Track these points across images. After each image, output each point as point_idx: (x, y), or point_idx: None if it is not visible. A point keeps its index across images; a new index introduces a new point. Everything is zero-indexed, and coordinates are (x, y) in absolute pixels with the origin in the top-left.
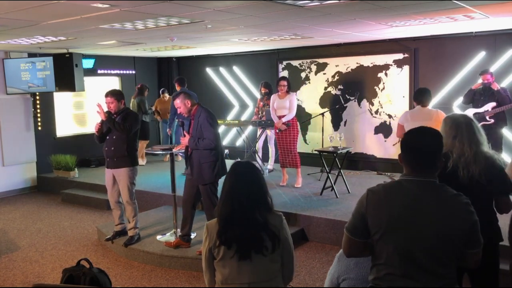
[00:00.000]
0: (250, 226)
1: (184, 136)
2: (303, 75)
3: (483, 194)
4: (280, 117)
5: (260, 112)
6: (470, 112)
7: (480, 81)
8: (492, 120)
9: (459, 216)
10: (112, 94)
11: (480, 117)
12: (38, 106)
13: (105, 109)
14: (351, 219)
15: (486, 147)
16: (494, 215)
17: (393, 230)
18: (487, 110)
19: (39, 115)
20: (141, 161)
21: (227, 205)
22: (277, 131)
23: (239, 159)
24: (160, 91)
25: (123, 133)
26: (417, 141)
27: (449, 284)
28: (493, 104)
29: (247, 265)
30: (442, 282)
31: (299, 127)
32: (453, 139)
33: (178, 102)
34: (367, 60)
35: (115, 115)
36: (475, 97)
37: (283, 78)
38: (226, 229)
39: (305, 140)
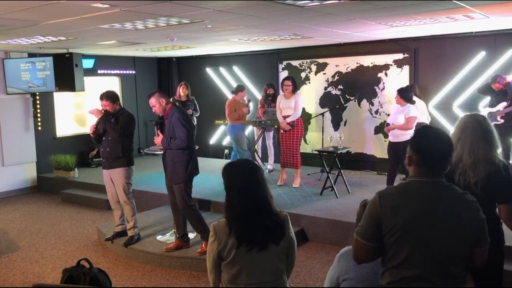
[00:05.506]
0: (266, 218)
1: (158, 135)
2: (303, 75)
3: (480, 202)
4: (284, 117)
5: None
6: (486, 111)
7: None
8: (502, 121)
9: (469, 214)
10: (106, 96)
11: (493, 116)
12: (38, 106)
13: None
14: (362, 224)
15: (493, 154)
16: (498, 220)
17: (410, 232)
18: (499, 110)
19: (39, 115)
20: None
21: (243, 202)
22: (282, 131)
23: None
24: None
25: (115, 133)
26: (432, 144)
27: (461, 284)
28: (505, 104)
29: (256, 264)
30: (455, 282)
31: (303, 128)
32: (457, 141)
33: (153, 101)
34: (367, 60)
35: (111, 116)
36: (492, 94)
37: (287, 78)
38: (243, 226)
39: (305, 140)
